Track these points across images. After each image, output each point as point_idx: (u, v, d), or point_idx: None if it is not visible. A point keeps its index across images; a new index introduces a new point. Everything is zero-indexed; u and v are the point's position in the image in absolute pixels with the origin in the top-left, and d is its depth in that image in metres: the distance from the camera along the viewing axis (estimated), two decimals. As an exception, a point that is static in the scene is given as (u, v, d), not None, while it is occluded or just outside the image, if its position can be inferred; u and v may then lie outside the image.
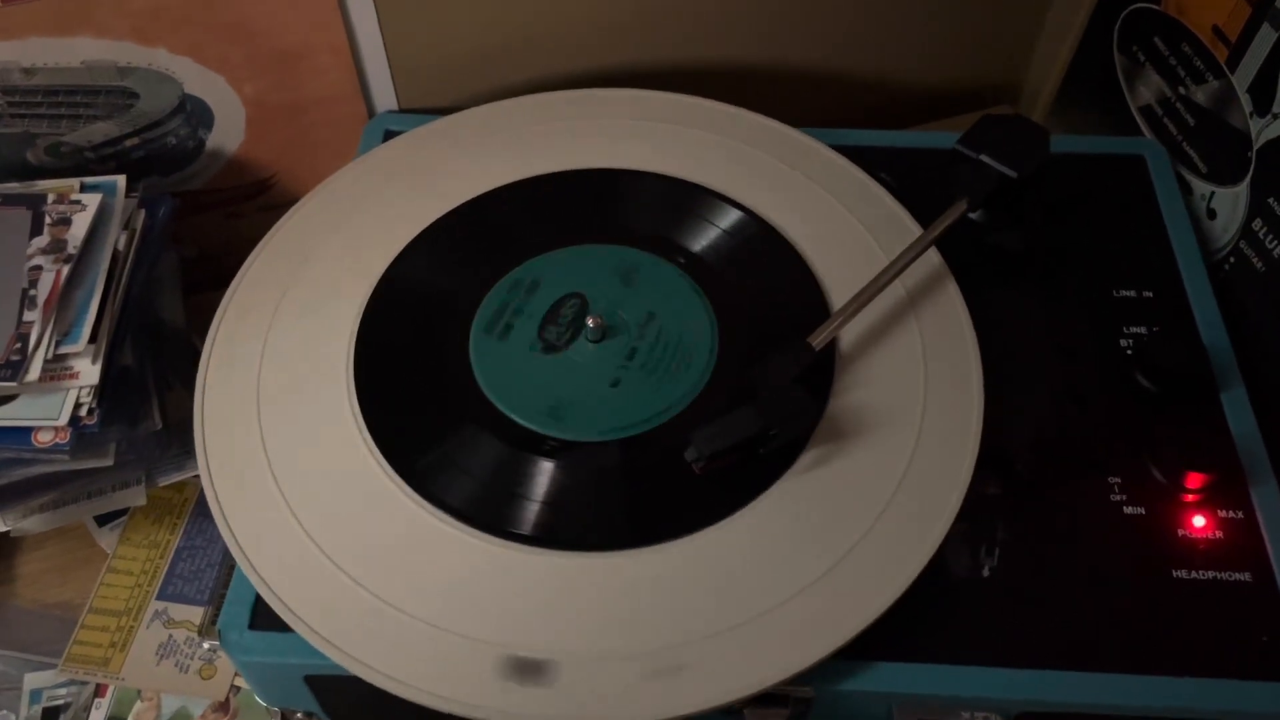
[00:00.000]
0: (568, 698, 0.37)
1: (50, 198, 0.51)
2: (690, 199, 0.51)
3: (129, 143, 0.57)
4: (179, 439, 0.53)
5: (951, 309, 0.47)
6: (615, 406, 0.44)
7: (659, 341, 0.46)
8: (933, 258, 0.49)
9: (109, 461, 0.48)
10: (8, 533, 0.50)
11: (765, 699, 0.38)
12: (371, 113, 0.60)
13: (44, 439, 0.46)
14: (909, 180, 0.52)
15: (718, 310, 0.47)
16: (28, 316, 0.47)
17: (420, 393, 0.45)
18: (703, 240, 0.50)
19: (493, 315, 0.47)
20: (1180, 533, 0.42)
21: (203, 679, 0.49)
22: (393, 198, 0.51)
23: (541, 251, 0.50)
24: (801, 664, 0.37)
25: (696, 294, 0.48)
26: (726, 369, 0.45)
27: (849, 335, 0.46)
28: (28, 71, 0.53)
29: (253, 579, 0.40)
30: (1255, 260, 0.51)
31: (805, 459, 0.42)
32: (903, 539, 0.40)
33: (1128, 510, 0.43)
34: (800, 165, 0.53)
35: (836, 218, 0.51)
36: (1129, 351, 0.48)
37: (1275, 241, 0.49)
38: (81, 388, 0.47)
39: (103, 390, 0.47)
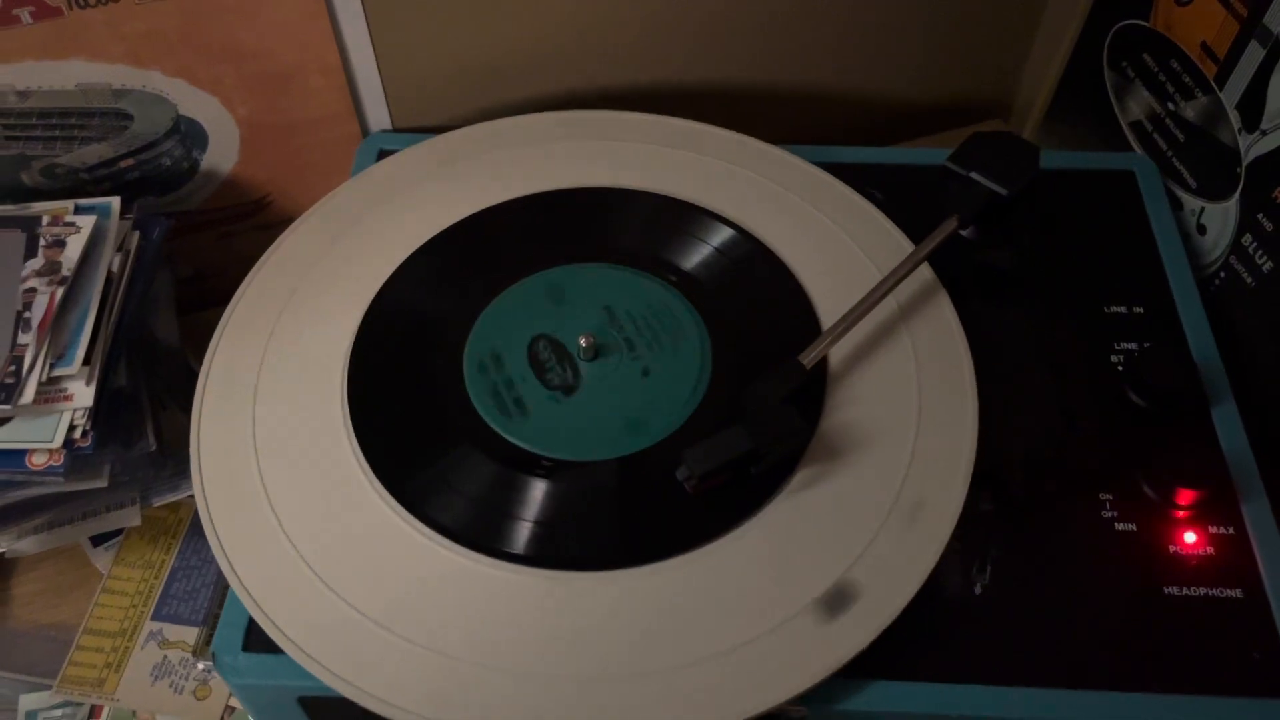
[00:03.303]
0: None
1: (45, 220, 0.51)
2: (681, 217, 0.52)
3: (124, 164, 0.57)
4: (174, 459, 0.53)
5: (945, 324, 0.47)
6: (612, 425, 0.44)
7: (652, 358, 0.46)
8: (925, 273, 0.49)
9: (103, 483, 0.48)
10: (3, 554, 0.50)
11: (756, 715, 0.38)
12: (365, 133, 0.60)
13: (38, 461, 0.46)
14: (900, 197, 0.53)
15: (710, 328, 0.48)
16: (22, 339, 0.47)
17: (414, 414, 0.45)
18: (694, 258, 0.50)
19: (486, 353, 0.48)
20: (1172, 549, 0.42)
21: (197, 699, 0.49)
22: (386, 218, 0.52)
23: (533, 271, 0.50)
24: (799, 687, 0.37)
25: (689, 312, 0.48)
26: (720, 386, 0.46)
27: (842, 352, 0.46)
28: (22, 94, 0.53)
29: (246, 602, 0.40)
30: (1245, 275, 0.51)
31: (800, 477, 0.43)
32: (899, 558, 0.40)
33: (1119, 527, 0.43)
34: (792, 184, 0.53)
35: (828, 235, 0.51)
36: (1120, 368, 0.48)
37: (1265, 257, 0.50)
38: (76, 410, 0.47)
39: (97, 412, 0.47)
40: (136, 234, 0.53)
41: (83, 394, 0.47)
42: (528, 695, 0.38)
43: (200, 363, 0.47)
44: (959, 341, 0.47)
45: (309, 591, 0.40)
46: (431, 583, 0.40)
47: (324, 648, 0.39)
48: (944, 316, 0.48)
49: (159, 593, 0.53)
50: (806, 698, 0.38)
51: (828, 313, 0.48)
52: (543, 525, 0.42)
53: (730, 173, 0.53)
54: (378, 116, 0.60)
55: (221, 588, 0.42)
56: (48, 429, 0.46)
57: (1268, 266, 0.49)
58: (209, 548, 0.53)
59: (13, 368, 0.46)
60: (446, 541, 0.41)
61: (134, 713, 0.49)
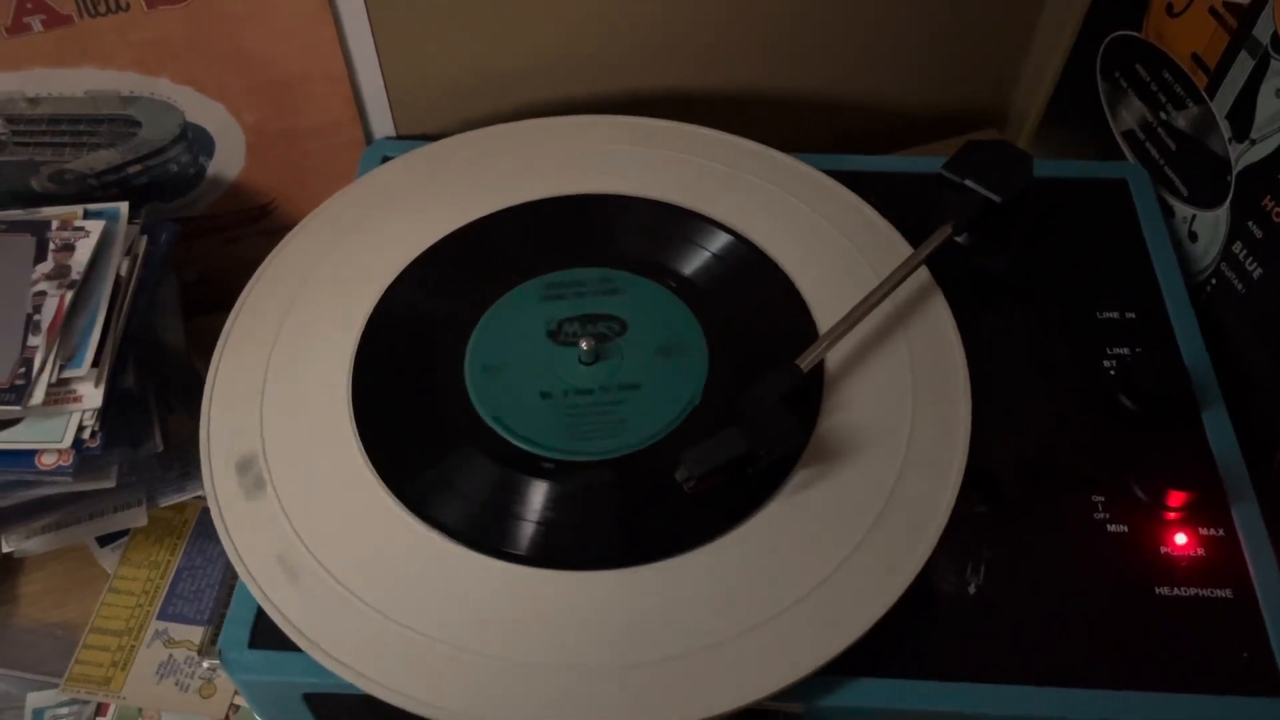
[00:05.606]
0: (563, 709, 0.38)
1: (54, 224, 0.52)
2: (680, 223, 0.52)
3: (132, 170, 0.58)
4: (180, 460, 0.54)
5: (941, 329, 0.48)
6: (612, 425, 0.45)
7: (651, 363, 0.47)
8: (923, 278, 0.50)
9: (111, 483, 0.49)
10: (10, 554, 0.51)
11: (752, 715, 0.39)
12: (369, 139, 0.61)
13: (47, 461, 0.47)
14: (896, 205, 0.53)
15: (708, 332, 0.48)
16: (32, 341, 0.48)
17: (417, 414, 0.46)
18: (693, 263, 0.51)
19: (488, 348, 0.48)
20: (1162, 550, 0.43)
21: (202, 698, 0.50)
22: (387, 222, 0.52)
23: (534, 275, 0.50)
24: (786, 680, 0.38)
25: (688, 316, 0.49)
26: (718, 389, 0.46)
27: (839, 356, 0.47)
28: (32, 101, 0.54)
29: (257, 595, 0.41)
30: (1236, 282, 0.51)
31: (796, 479, 0.43)
32: (890, 557, 0.41)
33: (1111, 529, 0.44)
34: (790, 189, 0.54)
35: (827, 240, 0.51)
36: (1112, 372, 0.48)
37: (1255, 264, 0.50)
38: (84, 411, 0.47)
39: (105, 413, 0.48)
40: (144, 238, 0.54)
41: (91, 395, 0.48)
42: (526, 683, 0.38)
43: (205, 366, 0.48)
44: (954, 345, 0.47)
45: (318, 584, 0.41)
46: (435, 575, 0.41)
47: (331, 637, 0.39)
48: (940, 321, 0.48)
49: (165, 592, 0.53)
50: (800, 694, 0.39)
51: (825, 317, 0.48)
52: (544, 524, 0.42)
53: (729, 176, 0.54)
54: (382, 123, 0.61)
55: (227, 587, 0.42)
56: (57, 429, 0.47)
57: (1258, 273, 0.50)
58: (214, 548, 0.55)
59: (23, 369, 0.47)
60: (448, 539, 0.42)
61: (140, 711, 0.50)
